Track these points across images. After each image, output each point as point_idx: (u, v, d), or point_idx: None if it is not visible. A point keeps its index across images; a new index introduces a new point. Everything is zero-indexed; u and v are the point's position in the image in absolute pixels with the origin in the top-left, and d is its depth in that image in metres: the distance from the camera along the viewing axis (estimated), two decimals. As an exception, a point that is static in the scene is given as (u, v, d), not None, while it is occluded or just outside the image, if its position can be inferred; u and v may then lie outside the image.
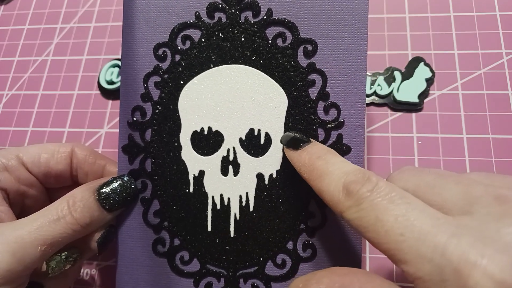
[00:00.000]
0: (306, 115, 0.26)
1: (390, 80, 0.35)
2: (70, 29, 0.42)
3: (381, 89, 0.34)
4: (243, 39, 0.27)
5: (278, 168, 0.26)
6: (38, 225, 0.23)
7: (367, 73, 0.35)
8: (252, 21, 0.26)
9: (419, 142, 0.33)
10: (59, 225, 0.23)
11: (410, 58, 0.35)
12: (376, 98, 0.34)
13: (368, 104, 0.35)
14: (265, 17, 0.26)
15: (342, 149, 0.25)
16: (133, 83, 0.28)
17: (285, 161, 0.25)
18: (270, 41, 0.26)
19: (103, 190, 0.25)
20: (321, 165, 0.21)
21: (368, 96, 0.34)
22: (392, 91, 0.34)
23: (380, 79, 0.35)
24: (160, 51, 0.27)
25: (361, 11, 0.25)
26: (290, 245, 0.26)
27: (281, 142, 0.24)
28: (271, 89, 0.26)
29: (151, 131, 0.27)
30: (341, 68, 0.25)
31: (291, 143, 0.23)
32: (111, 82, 0.38)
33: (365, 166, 0.33)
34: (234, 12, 0.27)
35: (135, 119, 0.27)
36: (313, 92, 0.26)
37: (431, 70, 0.35)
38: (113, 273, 0.27)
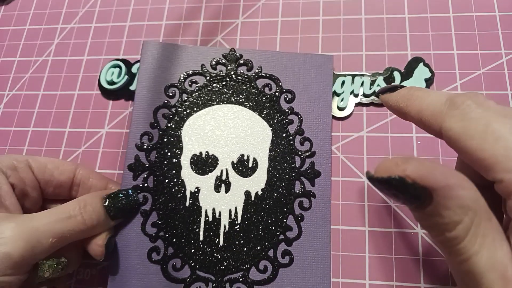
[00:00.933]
0: (286, 145, 0.32)
1: (389, 80, 0.35)
2: (71, 29, 0.42)
3: (380, 89, 0.34)
4: (238, 87, 0.34)
5: (263, 187, 0.31)
6: (54, 219, 0.25)
7: (367, 73, 0.35)
8: (246, 74, 0.34)
9: (419, 142, 0.33)
10: (69, 222, 0.26)
11: (409, 58, 0.35)
12: (376, 98, 0.34)
13: (368, 104, 0.35)
14: (256, 71, 0.34)
15: (314, 173, 0.32)
16: (143, 113, 0.33)
17: (269, 181, 0.31)
18: (259, 89, 0.34)
19: (110, 199, 0.29)
20: (421, 91, 0.21)
21: (368, 96, 0.34)
22: (391, 91, 0.34)
23: (380, 79, 0.35)
24: (170, 91, 0.34)
25: (327, 73, 0.34)
26: (271, 253, 0.30)
27: (377, 93, 0.24)
28: (259, 124, 0.33)
29: (156, 153, 0.32)
30: (313, 113, 0.33)
31: (388, 90, 0.24)
32: (111, 82, 0.38)
33: (364, 168, 0.33)
34: (232, 66, 0.34)
35: (142, 142, 0.33)
36: (292, 128, 0.33)
37: (431, 70, 0.35)
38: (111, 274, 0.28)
